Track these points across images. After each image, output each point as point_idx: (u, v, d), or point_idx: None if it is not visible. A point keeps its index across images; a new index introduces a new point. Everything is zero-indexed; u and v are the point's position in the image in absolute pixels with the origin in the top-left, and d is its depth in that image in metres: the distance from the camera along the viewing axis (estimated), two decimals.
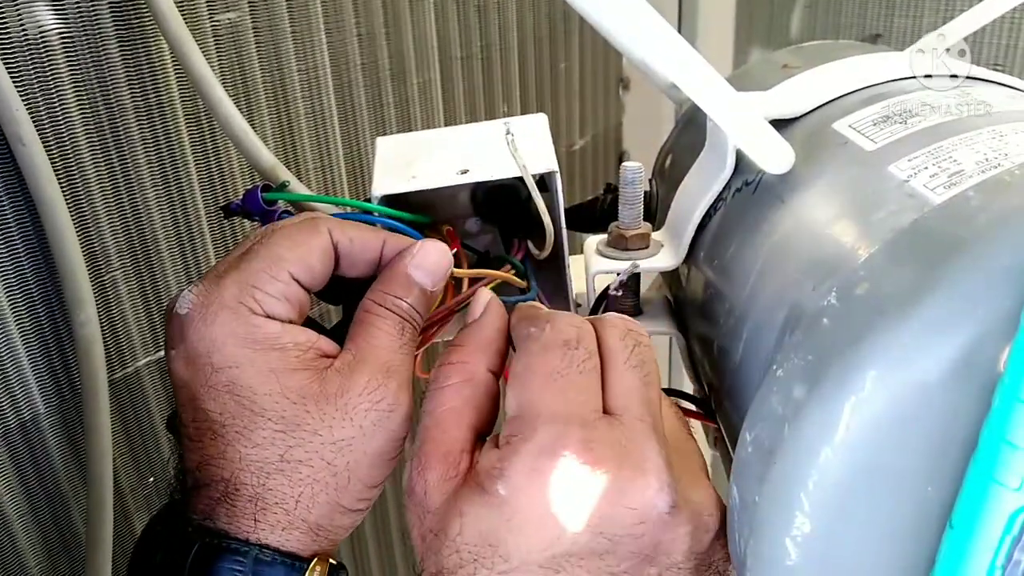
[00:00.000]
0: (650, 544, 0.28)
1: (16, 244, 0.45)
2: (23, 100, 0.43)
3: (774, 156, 0.35)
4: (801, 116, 0.38)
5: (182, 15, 0.48)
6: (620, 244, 0.41)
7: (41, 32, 0.44)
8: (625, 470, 0.28)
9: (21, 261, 0.46)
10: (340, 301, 0.38)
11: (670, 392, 0.42)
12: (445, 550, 0.29)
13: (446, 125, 0.76)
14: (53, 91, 0.45)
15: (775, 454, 0.25)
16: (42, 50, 0.44)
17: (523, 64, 0.86)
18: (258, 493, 0.31)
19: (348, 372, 0.32)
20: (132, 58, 0.49)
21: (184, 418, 0.32)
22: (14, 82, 0.42)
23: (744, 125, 0.35)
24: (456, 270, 0.37)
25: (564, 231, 0.40)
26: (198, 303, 0.32)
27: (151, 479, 0.56)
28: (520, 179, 0.38)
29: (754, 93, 0.39)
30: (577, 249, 0.44)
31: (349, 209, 0.40)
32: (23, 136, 0.42)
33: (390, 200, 0.39)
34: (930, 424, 0.23)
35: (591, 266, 0.41)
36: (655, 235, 0.42)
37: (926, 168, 0.29)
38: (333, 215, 0.38)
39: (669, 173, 0.49)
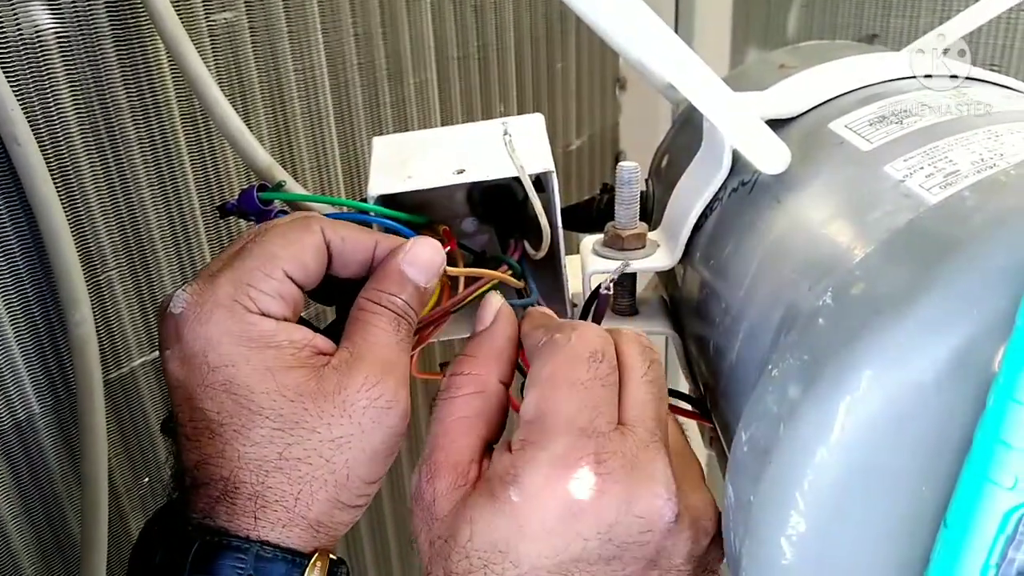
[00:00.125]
0: (654, 550, 0.29)
1: (11, 244, 0.45)
2: (18, 100, 0.42)
3: (770, 156, 0.35)
4: (797, 116, 0.38)
5: (178, 15, 0.47)
6: (616, 244, 0.41)
7: (37, 32, 0.44)
8: (635, 481, 0.29)
9: (16, 261, 0.46)
10: (334, 302, 0.38)
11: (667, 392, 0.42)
12: (455, 556, 0.29)
13: (443, 125, 0.76)
14: (48, 91, 0.45)
15: (771, 454, 0.25)
16: (38, 50, 0.44)
17: (520, 64, 0.86)
18: (257, 491, 0.31)
19: (345, 369, 0.32)
20: (128, 58, 0.49)
21: (181, 418, 0.32)
22: (9, 82, 0.42)
23: (741, 125, 0.35)
24: (452, 269, 0.37)
25: (560, 231, 0.40)
26: (192, 302, 0.31)
27: (146, 479, 0.56)
28: (516, 179, 0.38)
29: (751, 93, 0.39)
30: (573, 249, 0.44)
31: (345, 209, 0.40)
32: (18, 136, 0.42)
33: (386, 200, 0.39)
34: (925, 424, 0.23)
35: (587, 266, 0.41)
36: (651, 235, 0.42)
37: (922, 168, 0.29)
38: (329, 215, 0.38)
39: (665, 173, 0.49)
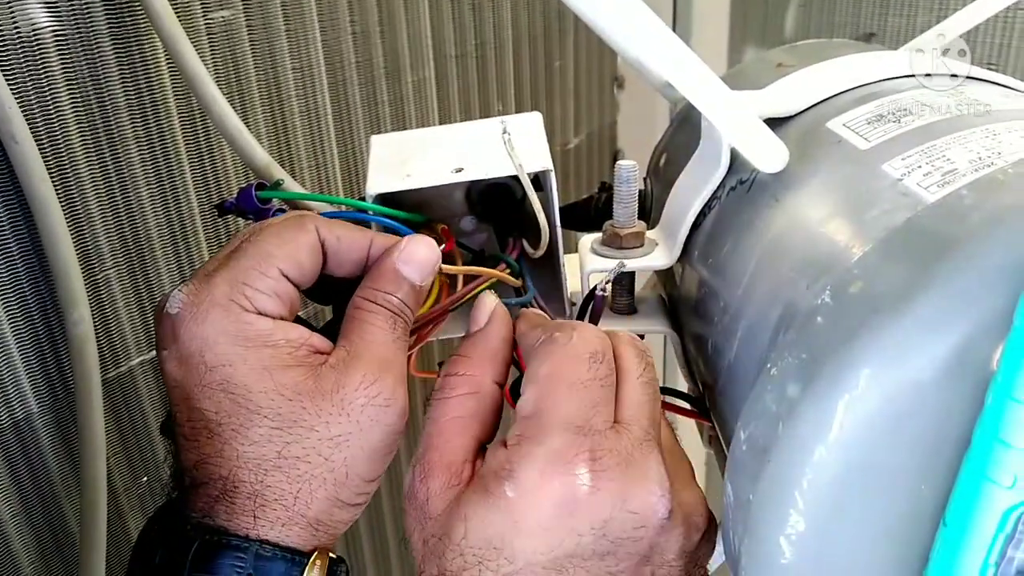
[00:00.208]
0: (648, 546, 0.30)
1: (9, 243, 0.45)
2: (16, 98, 0.42)
3: (768, 155, 0.35)
4: (795, 115, 0.38)
5: (176, 13, 0.47)
6: (615, 243, 0.41)
7: (34, 30, 0.44)
8: (630, 478, 0.29)
9: (14, 260, 0.46)
10: (329, 301, 0.38)
11: (665, 391, 0.42)
12: (449, 554, 0.29)
13: (441, 123, 0.76)
14: (46, 89, 0.45)
15: (769, 452, 0.25)
16: (35, 48, 0.44)
17: (518, 62, 0.86)
18: (257, 490, 0.31)
19: (343, 368, 0.32)
20: (126, 56, 0.49)
21: (179, 418, 0.32)
22: (7, 80, 0.42)
23: (738, 124, 0.35)
24: (450, 268, 0.37)
25: (559, 230, 0.40)
26: (188, 302, 0.31)
27: (145, 479, 0.56)
28: (515, 178, 0.38)
29: (748, 92, 0.39)
30: (572, 248, 0.44)
31: (343, 208, 0.40)
32: (16, 134, 0.42)
33: (385, 199, 0.39)
34: (924, 422, 0.23)
35: (586, 265, 0.41)
36: (649, 234, 0.42)
37: (920, 167, 0.29)
38: (327, 214, 0.38)
39: (664, 172, 0.49)
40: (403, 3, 0.68)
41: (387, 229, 0.39)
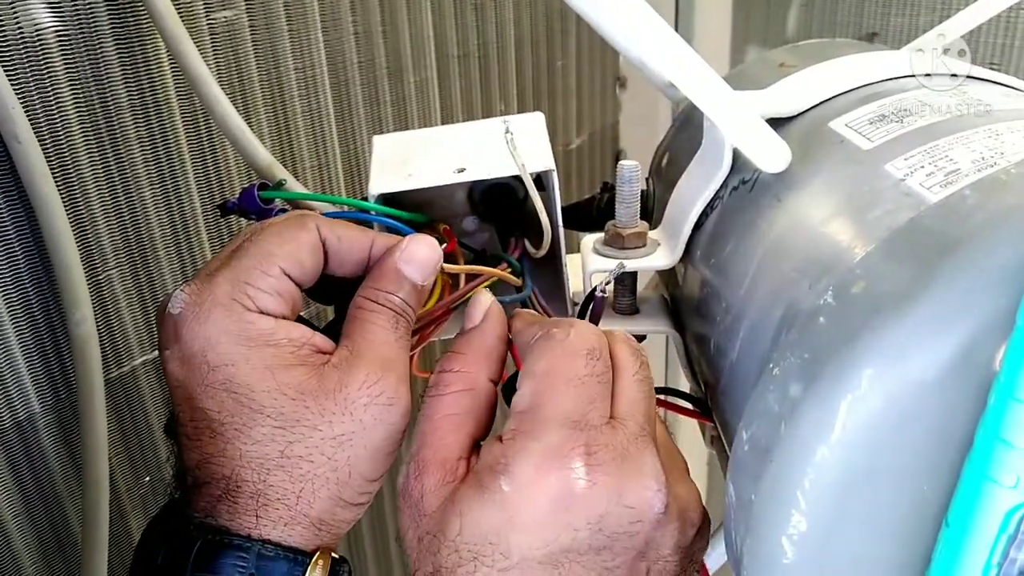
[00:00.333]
0: (643, 541, 0.30)
1: (12, 243, 0.45)
2: (19, 98, 0.42)
3: (771, 155, 0.35)
4: (798, 115, 0.38)
5: (178, 13, 0.47)
6: (617, 243, 0.41)
7: (37, 30, 0.44)
8: (626, 472, 0.29)
9: (17, 260, 0.46)
10: (331, 301, 0.38)
11: (667, 391, 0.42)
12: (444, 550, 0.29)
13: (443, 123, 0.76)
14: (49, 89, 0.45)
15: (771, 452, 0.25)
16: (38, 48, 0.44)
17: (520, 62, 0.86)
18: (259, 489, 0.31)
19: (346, 367, 0.32)
20: (128, 56, 0.49)
21: (182, 417, 0.32)
22: (10, 80, 0.42)
23: (741, 124, 0.35)
24: (451, 267, 0.37)
25: (561, 229, 0.40)
26: (191, 302, 0.31)
27: (147, 479, 0.56)
28: (517, 178, 0.38)
29: (751, 92, 0.39)
30: (574, 248, 0.44)
31: (346, 208, 0.40)
32: (19, 134, 0.42)
33: (387, 199, 0.39)
34: (926, 422, 0.23)
35: (587, 265, 0.41)
36: (652, 234, 0.42)
37: (922, 167, 0.29)
38: (329, 214, 0.38)
39: (666, 172, 0.49)
40: (405, 3, 0.68)
41: (389, 229, 0.39)
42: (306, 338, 0.32)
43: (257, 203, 0.40)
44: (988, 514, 0.22)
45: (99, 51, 0.47)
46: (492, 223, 0.45)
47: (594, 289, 0.39)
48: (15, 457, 0.48)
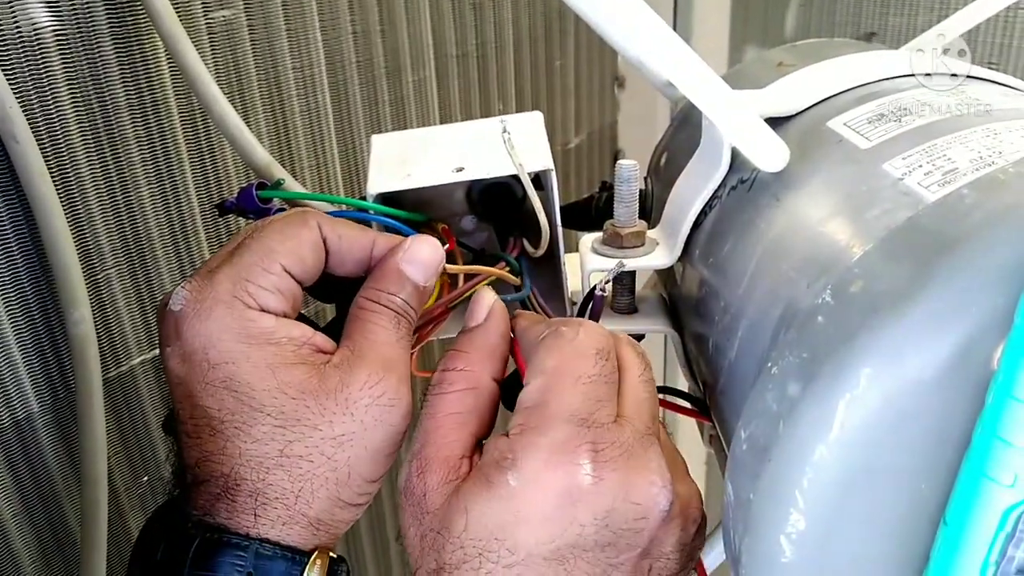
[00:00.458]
0: (648, 538, 0.30)
1: (10, 242, 0.45)
2: (17, 98, 0.42)
3: (769, 154, 0.35)
4: (796, 114, 0.38)
5: (176, 13, 0.47)
6: (615, 242, 0.41)
7: (35, 30, 0.44)
8: (632, 469, 0.30)
9: (15, 259, 0.46)
10: (332, 299, 0.38)
11: (666, 390, 0.43)
12: (448, 547, 0.29)
13: (441, 123, 0.76)
14: (47, 88, 0.45)
15: (770, 451, 0.25)
16: (36, 47, 0.44)
17: (519, 62, 0.86)
18: (258, 488, 0.31)
19: (347, 367, 0.32)
20: (126, 56, 0.49)
21: (182, 415, 0.32)
22: (8, 80, 0.42)
23: (739, 123, 0.35)
24: (451, 267, 0.37)
25: (560, 229, 0.40)
26: (192, 299, 0.31)
27: (146, 478, 0.56)
28: (515, 177, 0.38)
29: (749, 91, 0.39)
30: (572, 247, 0.44)
31: (344, 207, 0.40)
32: (17, 134, 0.42)
33: (385, 198, 0.39)
34: (924, 421, 0.23)
35: (586, 264, 0.41)
36: (650, 233, 0.42)
37: (920, 166, 0.29)
38: (329, 213, 0.38)
39: (664, 171, 0.49)
40: (404, 3, 0.68)
41: (388, 228, 0.39)
42: (307, 337, 0.32)
43: (255, 202, 0.40)
44: (986, 512, 0.22)
45: (97, 51, 0.47)
46: (490, 222, 0.45)
47: (593, 288, 0.39)
48: (13, 456, 0.48)
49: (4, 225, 0.45)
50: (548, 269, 0.43)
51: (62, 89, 0.46)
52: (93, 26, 0.47)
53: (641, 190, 0.43)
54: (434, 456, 0.31)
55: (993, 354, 0.22)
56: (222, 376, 0.31)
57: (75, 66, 0.46)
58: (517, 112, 0.60)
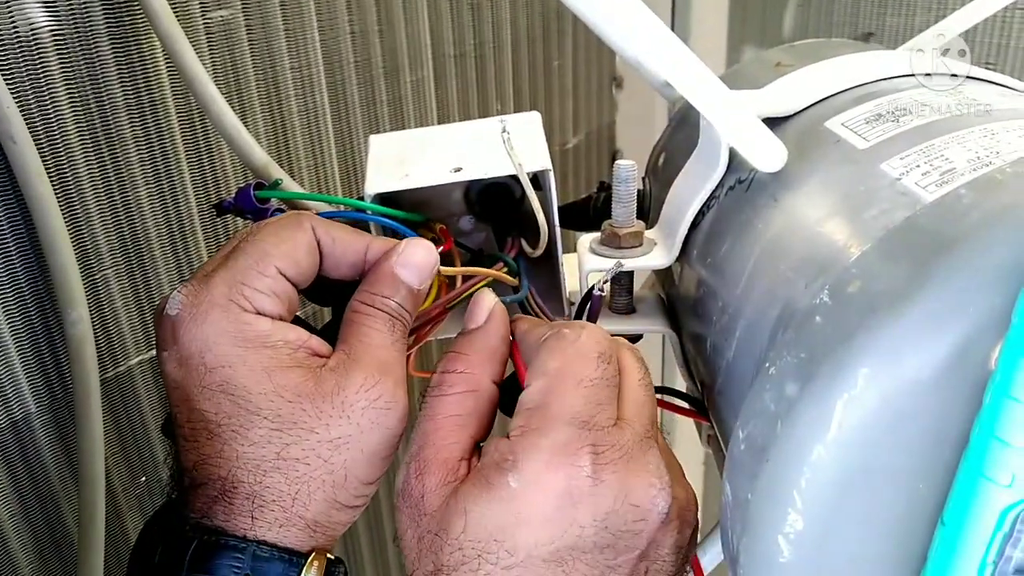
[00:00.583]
0: (646, 540, 0.30)
1: (8, 243, 0.45)
2: (14, 98, 0.42)
3: (767, 154, 0.35)
4: (794, 114, 0.38)
5: (174, 12, 0.47)
6: (613, 242, 0.41)
7: (33, 30, 0.44)
8: (631, 472, 0.30)
9: (12, 260, 0.45)
10: (327, 303, 0.38)
11: (664, 391, 0.43)
12: (447, 548, 0.29)
13: (439, 123, 0.76)
14: (44, 89, 0.45)
15: (768, 451, 0.25)
16: (34, 48, 0.44)
17: (516, 62, 0.86)
18: (255, 491, 0.31)
19: (343, 371, 0.32)
20: (124, 56, 0.49)
21: (179, 419, 0.32)
22: (5, 80, 0.42)
23: (737, 123, 0.35)
24: (447, 268, 0.37)
25: (558, 229, 0.40)
26: (188, 303, 0.31)
27: (143, 478, 0.56)
28: (514, 177, 0.38)
29: (747, 91, 0.39)
30: (571, 247, 0.44)
31: (342, 207, 0.40)
32: (14, 134, 0.42)
33: (383, 198, 0.39)
34: (922, 421, 0.23)
35: (584, 264, 0.41)
36: (648, 233, 0.42)
37: (918, 166, 0.29)
38: (326, 213, 0.38)
39: (662, 171, 0.49)
40: (402, 3, 0.68)
41: (386, 228, 0.39)
42: (302, 340, 0.32)
43: (253, 203, 0.40)
44: (984, 512, 0.22)
45: (95, 51, 0.47)
46: (489, 222, 0.45)
47: (591, 288, 0.39)
48: (11, 457, 0.48)
49: (2, 225, 0.45)
50: (546, 269, 0.43)
51: (60, 89, 0.46)
52: (91, 26, 0.47)
53: (639, 190, 0.43)
54: (433, 458, 0.31)
55: (991, 354, 0.22)
56: (219, 380, 0.31)
57: (73, 66, 0.46)
58: (515, 112, 0.60)
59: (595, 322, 0.39)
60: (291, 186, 0.47)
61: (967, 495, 0.23)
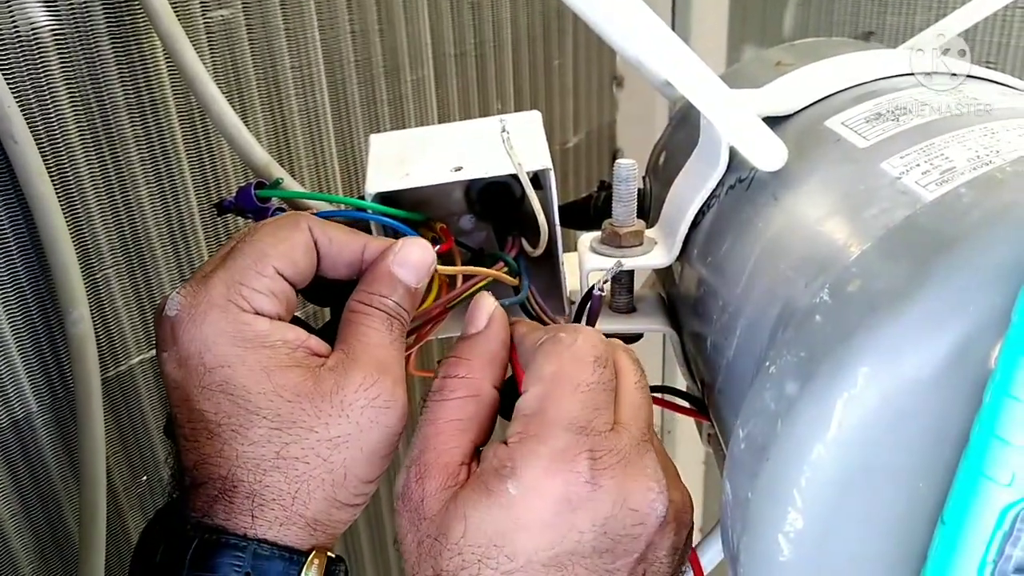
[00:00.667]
0: (645, 544, 0.30)
1: (8, 242, 0.45)
2: (15, 97, 0.42)
3: (767, 153, 0.35)
4: (794, 113, 0.38)
5: (175, 12, 0.47)
6: (614, 241, 0.41)
7: (33, 29, 0.44)
8: (629, 476, 0.30)
9: (14, 259, 0.46)
10: (327, 303, 0.38)
11: (664, 390, 0.43)
12: (446, 553, 0.29)
13: (440, 122, 0.76)
14: (45, 88, 0.45)
15: (768, 450, 0.25)
16: (34, 47, 0.44)
17: (517, 61, 0.86)
18: (255, 490, 0.31)
19: (342, 370, 0.32)
20: (125, 55, 0.49)
21: (179, 419, 0.32)
22: (6, 79, 0.42)
23: (737, 122, 0.35)
24: (446, 268, 0.37)
25: (558, 228, 0.40)
26: (187, 304, 0.32)
27: (144, 478, 0.56)
28: (514, 176, 0.38)
29: (747, 90, 0.39)
30: (571, 246, 0.44)
31: (343, 206, 0.40)
32: (15, 134, 0.42)
33: (384, 197, 0.39)
34: (922, 420, 0.23)
35: (584, 263, 0.41)
36: (649, 232, 0.42)
37: (918, 165, 0.29)
38: (326, 213, 0.38)
39: (663, 170, 0.49)
40: (402, 2, 0.68)
41: (386, 228, 0.39)
42: (301, 340, 0.32)
43: (254, 202, 0.40)
44: (984, 511, 0.22)
45: (95, 50, 0.47)
46: (489, 222, 0.45)
47: (592, 288, 0.39)
48: (12, 456, 0.48)
49: (3, 225, 0.45)
50: (547, 268, 0.43)
51: (60, 89, 0.46)
52: (91, 26, 0.47)
53: (639, 189, 0.43)
54: (433, 462, 0.31)
55: (991, 353, 0.22)
56: (218, 380, 0.31)
57: (73, 66, 0.46)
58: (515, 111, 0.60)
59: (595, 321, 0.39)
60: (292, 185, 0.47)
61: (967, 494, 0.23)
